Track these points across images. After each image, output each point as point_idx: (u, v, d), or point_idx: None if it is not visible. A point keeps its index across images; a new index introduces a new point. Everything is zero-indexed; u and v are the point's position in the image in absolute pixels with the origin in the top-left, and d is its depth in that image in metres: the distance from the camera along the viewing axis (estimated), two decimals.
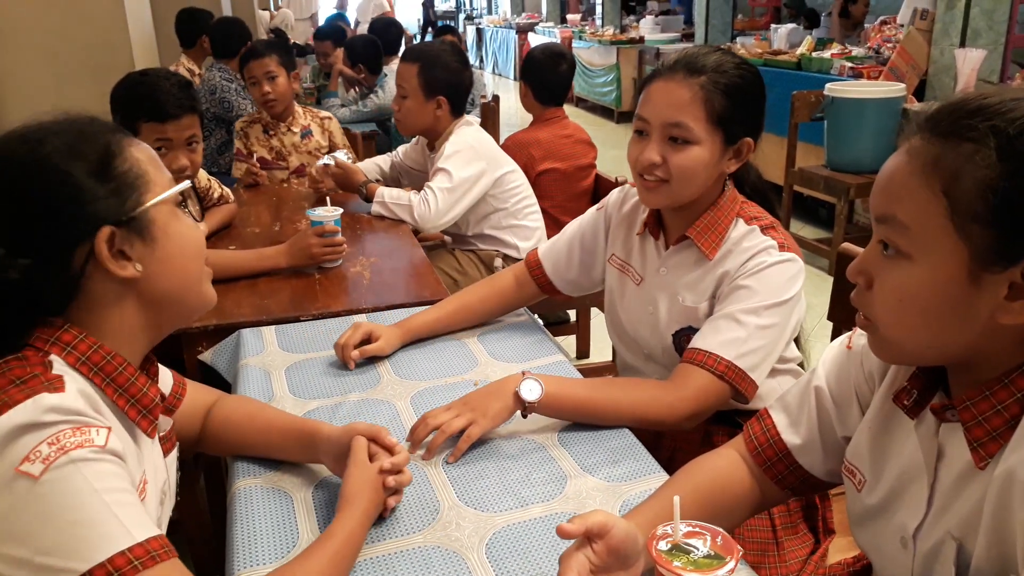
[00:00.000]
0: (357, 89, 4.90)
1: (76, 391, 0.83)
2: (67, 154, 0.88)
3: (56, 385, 0.81)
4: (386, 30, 5.16)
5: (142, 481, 0.91)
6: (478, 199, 2.51)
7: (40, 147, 0.87)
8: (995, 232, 0.73)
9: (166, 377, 1.15)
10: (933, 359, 0.85)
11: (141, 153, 0.94)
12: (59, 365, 0.85)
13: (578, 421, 1.30)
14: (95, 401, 0.85)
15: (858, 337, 1.01)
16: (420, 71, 2.48)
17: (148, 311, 0.94)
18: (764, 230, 1.37)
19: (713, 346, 1.31)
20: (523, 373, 1.27)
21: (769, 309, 1.32)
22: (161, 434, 1.04)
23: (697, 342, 1.34)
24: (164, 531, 1.02)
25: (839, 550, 1.41)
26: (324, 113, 3.22)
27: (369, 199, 2.52)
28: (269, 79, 2.93)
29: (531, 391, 1.25)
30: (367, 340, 1.53)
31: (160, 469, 1.01)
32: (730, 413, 1.47)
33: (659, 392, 1.32)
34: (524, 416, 1.27)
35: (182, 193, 0.99)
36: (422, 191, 2.44)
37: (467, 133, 2.52)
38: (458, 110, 2.56)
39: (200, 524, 1.80)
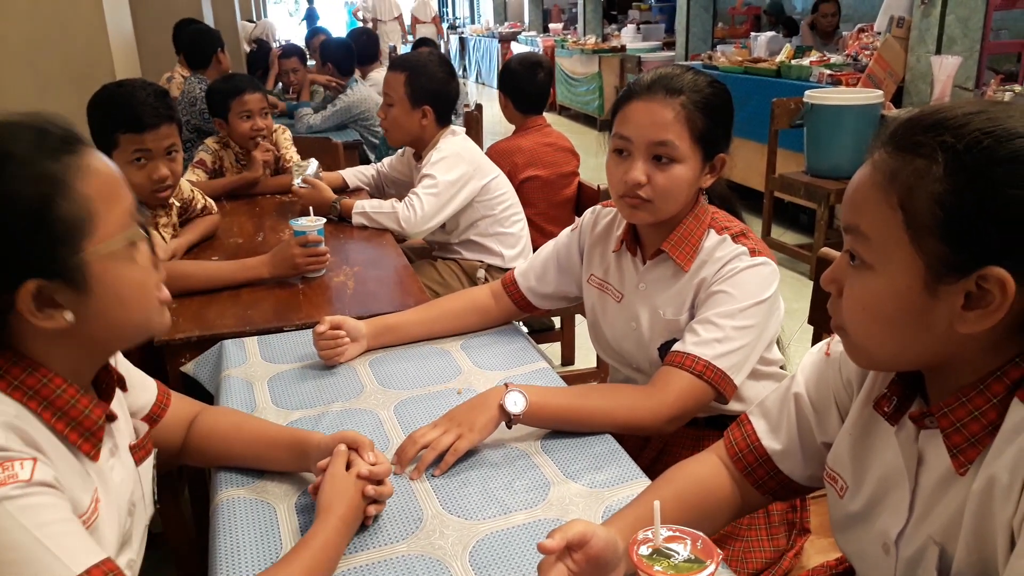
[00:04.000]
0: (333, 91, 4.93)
1: None
2: (20, 189, 0.79)
3: None
4: (361, 40, 5.19)
5: (93, 500, 0.88)
6: (464, 206, 2.51)
7: None
8: (947, 245, 0.75)
9: (149, 387, 1.14)
10: (903, 365, 0.87)
11: (92, 186, 0.84)
12: None
13: (563, 429, 1.31)
14: (23, 431, 0.81)
15: (836, 344, 1.03)
16: (407, 80, 2.48)
17: (85, 346, 0.89)
18: (735, 238, 1.40)
19: (691, 348, 1.33)
20: (506, 385, 1.28)
21: (744, 311, 1.34)
22: (132, 442, 1.03)
23: (676, 346, 1.36)
24: (140, 542, 1.01)
25: (819, 551, 1.42)
26: (275, 126, 3.21)
27: (343, 217, 2.52)
28: (263, 114, 2.90)
29: (515, 403, 1.25)
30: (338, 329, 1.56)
31: (127, 481, 0.99)
32: (720, 417, 1.49)
33: (641, 397, 1.33)
34: (509, 427, 1.27)
35: (142, 223, 0.90)
36: (408, 199, 2.44)
37: (453, 141, 2.54)
38: (444, 120, 2.57)
39: (185, 535, 1.79)
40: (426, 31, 12.79)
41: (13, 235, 0.80)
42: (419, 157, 2.62)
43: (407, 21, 13.46)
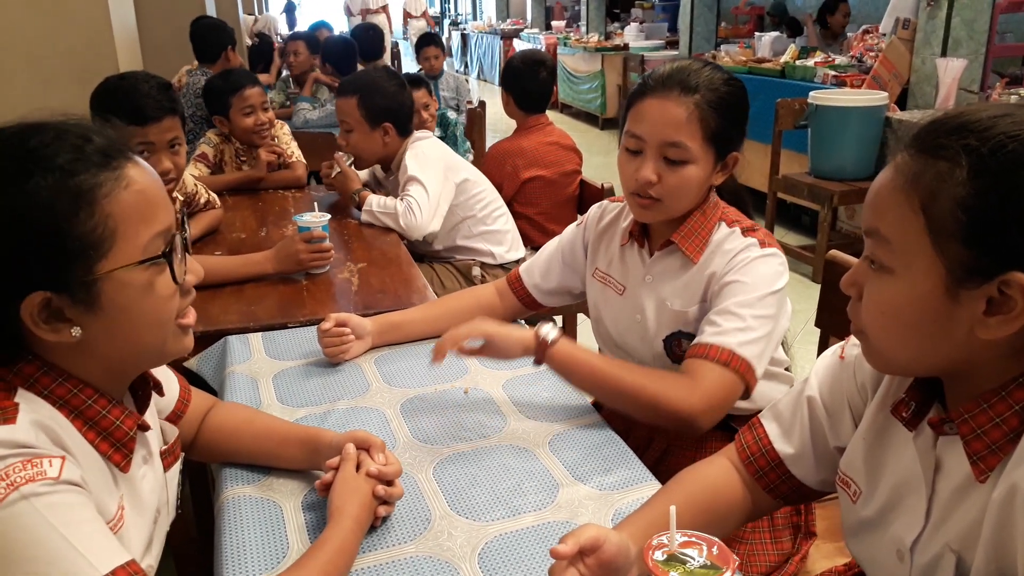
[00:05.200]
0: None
1: (29, 422, 0.78)
2: (41, 200, 0.77)
3: (7, 416, 0.77)
4: (367, 35, 5.16)
5: (119, 509, 0.87)
6: (448, 204, 2.52)
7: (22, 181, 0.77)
8: (969, 249, 0.74)
9: (172, 383, 1.12)
10: (922, 370, 0.86)
11: (122, 204, 0.81)
12: (23, 393, 0.81)
13: (586, 390, 1.31)
14: (52, 431, 0.80)
15: (851, 348, 1.02)
16: (360, 103, 2.46)
17: (103, 362, 0.87)
18: (745, 232, 1.39)
19: (713, 338, 1.30)
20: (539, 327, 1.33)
21: (762, 300, 1.32)
22: (163, 448, 1.02)
23: (698, 338, 1.34)
24: (159, 546, 1.00)
25: (825, 555, 1.41)
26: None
27: (360, 207, 2.52)
28: (263, 109, 2.89)
29: (550, 332, 1.31)
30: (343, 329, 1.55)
31: (156, 490, 0.98)
32: (726, 418, 1.48)
33: (673, 380, 1.29)
34: (536, 364, 1.31)
35: (170, 250, 0.86)
36: (405, 202, 2.43)
37: (422, 146, 2.54)
38: (404, 132, 2.55)
39: (185, 534, 1.78)
40: (418, 27, 12.92)
41: (27, 246, 0.78)
42: (386, 168, 2.62)
43: (399, 15, 13.55)
